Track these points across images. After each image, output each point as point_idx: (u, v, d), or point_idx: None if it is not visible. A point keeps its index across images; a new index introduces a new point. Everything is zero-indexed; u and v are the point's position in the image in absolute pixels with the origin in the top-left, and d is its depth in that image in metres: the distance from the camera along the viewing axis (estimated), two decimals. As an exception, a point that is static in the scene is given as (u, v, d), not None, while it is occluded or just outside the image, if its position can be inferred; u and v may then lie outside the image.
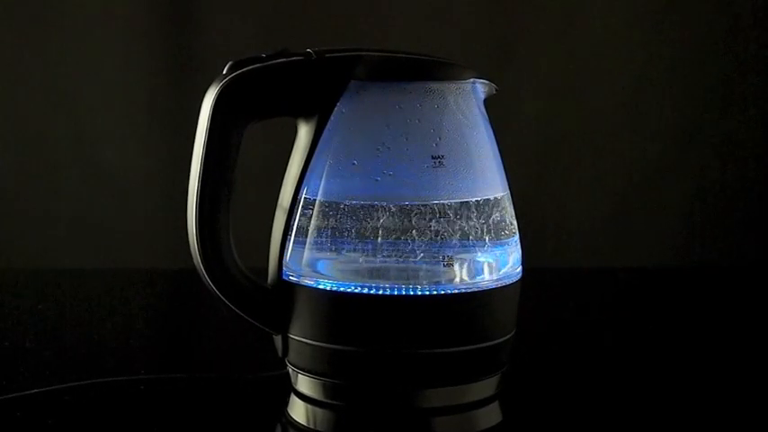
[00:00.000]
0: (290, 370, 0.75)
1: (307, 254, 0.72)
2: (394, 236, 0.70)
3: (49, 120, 1.51)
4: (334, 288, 0.71)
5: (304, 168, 0.73)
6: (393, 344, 0.70)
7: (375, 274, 0.71)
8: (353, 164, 0.72)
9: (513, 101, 1.50)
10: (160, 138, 1.52)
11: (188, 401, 0.79)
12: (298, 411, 0.75)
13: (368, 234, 0.71)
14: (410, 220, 0.70)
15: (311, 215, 0.72)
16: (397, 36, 1.48)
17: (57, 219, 1.53)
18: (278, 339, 0.75)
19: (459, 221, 0.71)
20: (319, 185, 0.72)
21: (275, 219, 0.74)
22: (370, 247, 0.71)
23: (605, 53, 1.53)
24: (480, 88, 0.75)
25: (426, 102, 0.72)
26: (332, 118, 0.72)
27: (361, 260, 0.71)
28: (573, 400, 0.81)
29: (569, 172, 1.56)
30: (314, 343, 0.72)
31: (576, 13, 1.53)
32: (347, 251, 0.71)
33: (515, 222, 0.75)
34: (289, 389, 0.76)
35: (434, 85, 0.72)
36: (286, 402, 0.76)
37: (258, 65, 0.72)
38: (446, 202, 0.71)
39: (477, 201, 0.72)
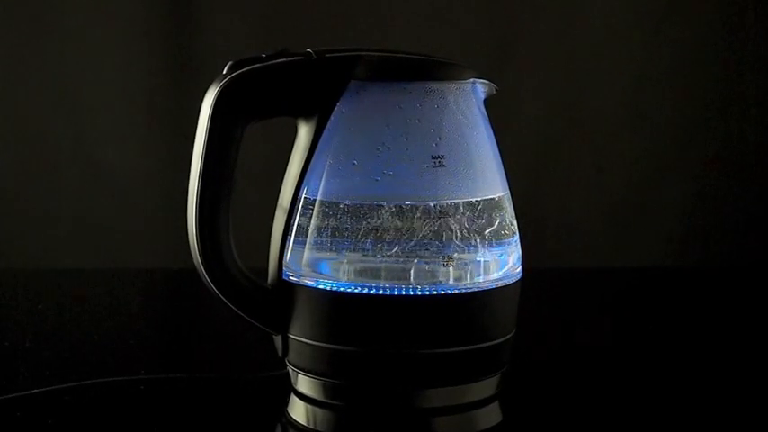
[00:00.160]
0: (290, 370, 0.75)
1: (307, 254, 0.72)
2: (394, 236, 0.70)
3: (49, 120, 1.51)
4: (335, 288, 0.71)
5: (304, 168, 0.73)
6: (393, 344, 0.70)
7: (375, 273, 0.71)
8: (353, 164, 0.72)
9: (513, 101, 1.50)
10: (160, 138, 1.52)
11: (188, 401, 0.79)
12: (298, 411, 0.75)
13: (368, 234, 0.70)
14: (410, 220, 0.70)
15: (311, 215, 0.72)
16: (397, 36, 1.48)
17: (57, 219, 1.53)
18: (278, 339, 0.75)
19: (459, 221, 0.71)
20: (319, 185, 0.72)
21: (275, 219, 0.74)
22: (370, 247, 0.71)
23: (605, 53, 1.53)
24: (480, 88, 0.75)
25: (426, 102, 0.72)
26: (332, 118, 0.72)
27: (361, 260, 0.71)
28: (573, 400, 0.81)
29: (569, 172, 1.56)
30: (314, 343, 0.72)
31: (575, 13, 1.53)
32: (347, 251, 0.71)
33: (515, 222, 0.75)
34: (289, 389, 0.76)
35: (434, 85, 0.72)
36: (286, 402, 0.76)
37: (258, 65, 0.72)
38: (446, 202, 0.71)
39: (477, 201, 0.72)
